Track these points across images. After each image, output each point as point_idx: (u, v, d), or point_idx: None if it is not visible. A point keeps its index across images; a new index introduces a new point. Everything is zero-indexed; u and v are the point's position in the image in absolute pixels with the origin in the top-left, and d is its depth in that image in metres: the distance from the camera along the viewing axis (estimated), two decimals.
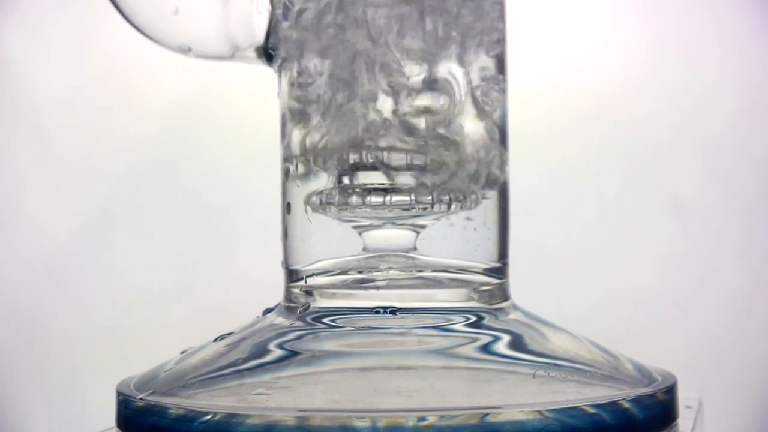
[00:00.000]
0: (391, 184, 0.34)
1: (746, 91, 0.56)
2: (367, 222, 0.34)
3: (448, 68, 0.34)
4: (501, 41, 0.35)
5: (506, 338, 0.33)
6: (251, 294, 0.41)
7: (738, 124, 0.56)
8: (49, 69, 0.57)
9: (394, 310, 0.33)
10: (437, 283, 0.34)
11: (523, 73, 0.37)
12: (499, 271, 0.35)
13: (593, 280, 0.56)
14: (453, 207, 0.34)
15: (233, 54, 0.36)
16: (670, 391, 0.33)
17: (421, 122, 0.33)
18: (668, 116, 0.56)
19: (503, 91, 0.35)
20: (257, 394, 0.31)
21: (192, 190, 0.57)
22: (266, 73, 0.36)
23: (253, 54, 0.36)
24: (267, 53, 0.36)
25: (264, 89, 0.37)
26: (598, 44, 0.56)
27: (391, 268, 0.34)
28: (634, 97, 0.56)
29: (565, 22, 0.56)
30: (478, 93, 0.34)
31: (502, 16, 0.35)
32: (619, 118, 0.56)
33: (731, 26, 0.56)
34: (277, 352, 0.33)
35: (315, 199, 0.34)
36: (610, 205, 0.56)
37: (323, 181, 0.34)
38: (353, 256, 0.34)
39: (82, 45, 0.57)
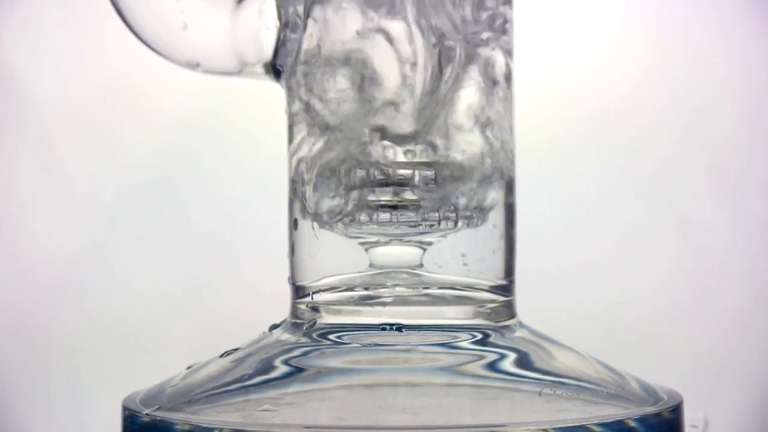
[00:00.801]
0: (399, 201, 0.34)
1: (752, 103, 0.56)
2: (373, 238, 0.34)
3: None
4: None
5: (512, 356, 0.33)
6: (258, 309, 0.41)
7: (743, 137, 0.56)
8: (54, 76, 0.57)
9: (400, 327, 0.33)
10: (443, 301, 0.34)
11: (521, 84, 0.37)
12: (506, 289, 0.35)
13: (597, 297, 0.56)
14: (460, 224, 0.34)
15: (241, 70, 0.36)
16: (676, 410, 0.33)
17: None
18: (672, 129, 0.56)
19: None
20: (263, 410, 0.31)
21: (200, 203, 0.57)
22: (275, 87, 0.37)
23: (261, 70, 0.36)
24: (275, 69, 0.36)
25: (276, 98, 0.37)
26: (600, 56, 0.56)
27: (397, 284, 0.34)
28: (637, 110, 0.56)
29: (566, 35, 0.56)
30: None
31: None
32: (623, 131, 0.56)
33: (737, 38, 0.56)
34: (283, 369, 0.33)
35: (322, 215, 0.34)
36: (615, 221, 0.56)
37: (331, 197, 0.34)
38: (360, 272, 0.34)
39: (87, 50, 0.57)
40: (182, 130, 0.57)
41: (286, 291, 0.36)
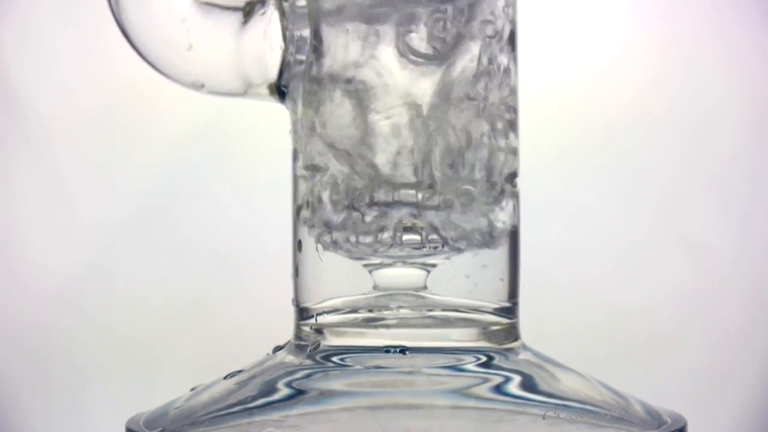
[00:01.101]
0: (403, 223, 0.34)
1: (757, 119, 0.56)
2: (377, 260, 0.34)
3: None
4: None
5: (517, 379, 0.33)
6: (262, 328, 0.41)
7: (747, 153, 0.56)
8: (56, 89, 0.57)
9: (404, 350, 0.34)
10: (447, 323, 0.34)
11: (522, 96, 0.37)
12: (510, 311, 0.35)
13: (599, 314, 0.55)
14: (464, 246, 0.34)
15: (246, 91, 0.36)
16: None
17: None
18: (675, 145, 0.56)
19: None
20: None
21: (204, 220, 0.56)
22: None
23: (265, 91, 0.36)
24: (280, 90, 0.36)
25: (282, 116, 0.37)
26: (602, 71, 0.56)
27: (401, 307, 0.34)
28: (640, 126, 0.56)
29: (566, 49, 0.56)
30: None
31: None
32: (625, 147, 0.56)
33: (741, 54, 0.56)
34: (286, 391, 0.33)
35: (326, 237, 0.34)
36: (617, 237, 0.56)
37: (334, 219, 0.34)
38: (363, 294, 0.34)
39: (91, 62, 0.57)
40: (187, 145, 0.57)
41: (290, 310, 0.36)
